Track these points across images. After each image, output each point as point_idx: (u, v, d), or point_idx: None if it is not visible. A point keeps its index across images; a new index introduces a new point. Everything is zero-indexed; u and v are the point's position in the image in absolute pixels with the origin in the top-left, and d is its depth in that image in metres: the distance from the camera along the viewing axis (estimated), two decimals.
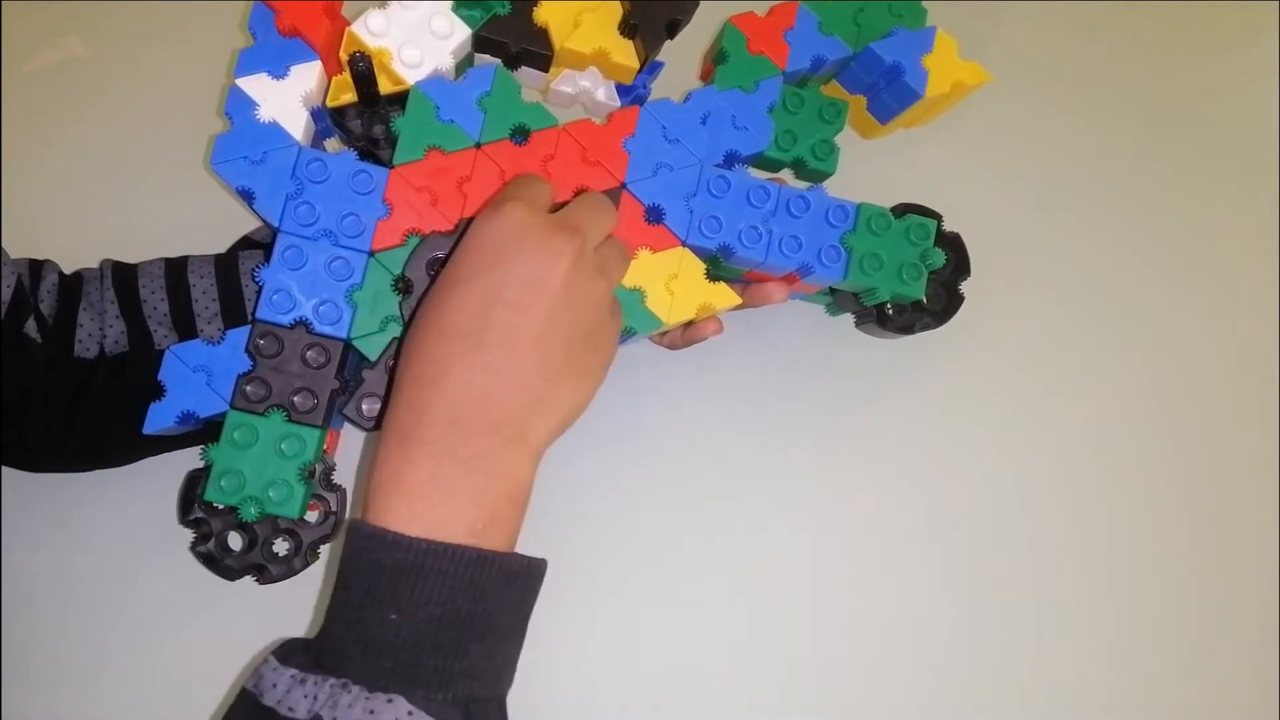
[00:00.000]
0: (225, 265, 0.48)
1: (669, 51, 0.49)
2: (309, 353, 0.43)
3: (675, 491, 0.54)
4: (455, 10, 0.45)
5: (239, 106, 0.43)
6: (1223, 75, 0.63)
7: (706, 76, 0.51)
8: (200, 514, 0.43)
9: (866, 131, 0.55)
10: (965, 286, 0.52)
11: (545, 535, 0.49)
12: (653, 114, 0.46)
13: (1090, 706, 0.50)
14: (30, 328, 0.44)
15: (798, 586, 0.53)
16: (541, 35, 0.47)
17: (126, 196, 0.58)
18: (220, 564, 0.43)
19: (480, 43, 0.47)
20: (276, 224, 0.43)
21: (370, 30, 0.44)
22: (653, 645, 0.50)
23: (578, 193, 0.45)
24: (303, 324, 0.43)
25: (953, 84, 0.50)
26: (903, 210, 0.51)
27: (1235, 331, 0.60)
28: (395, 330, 0.44)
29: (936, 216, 0.52)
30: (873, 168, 0.53)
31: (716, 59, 0.49)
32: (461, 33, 0.45)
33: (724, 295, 0.47)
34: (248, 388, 0.42)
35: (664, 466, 0.54)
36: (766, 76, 0.49)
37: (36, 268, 0.47)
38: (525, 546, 0.37)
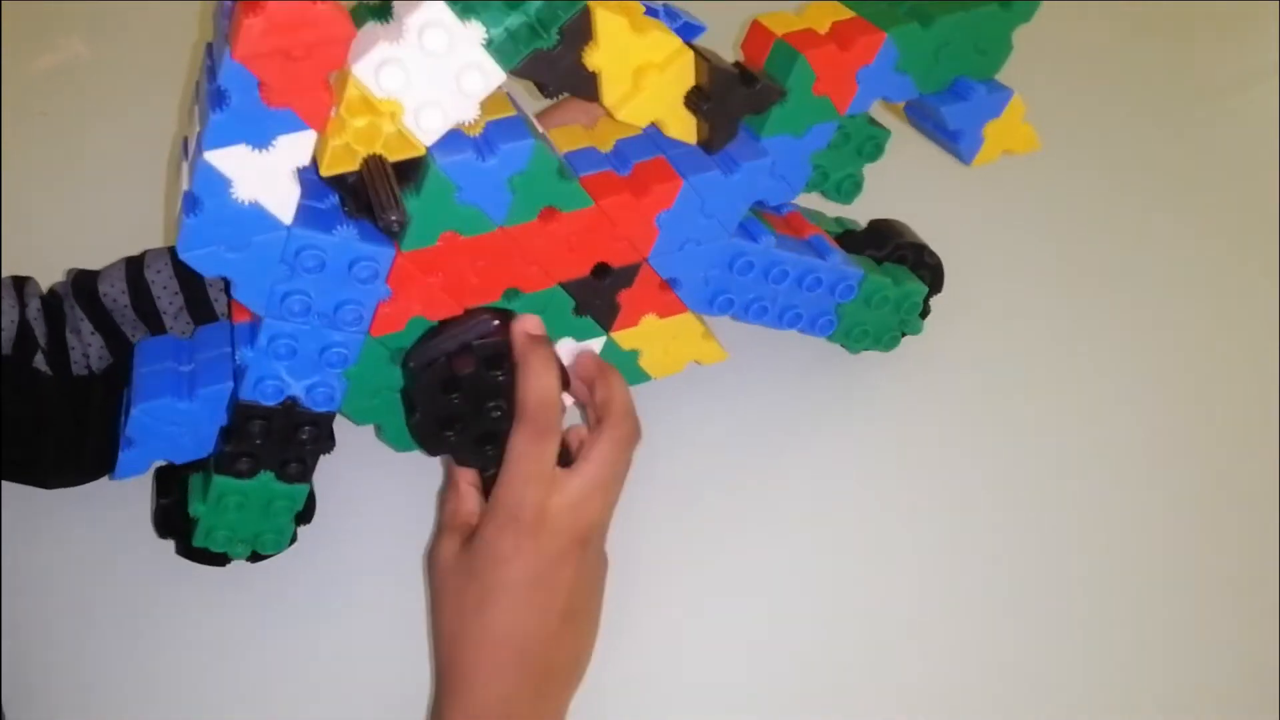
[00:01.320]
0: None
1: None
2: (300, 431, 0.40)
3: (670, 493, 0.51)
4: (489, 49, 0.34)
5: (210, 186, 0.33)
6: (1223, 75, 0.59)
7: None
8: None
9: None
10: (946, 301, 0.53)
11: None
12: (696, 190, 0.41)
13: (1089, 702, 0.47)
14: (39, 361, 0.42)
15: (797, 587, 0.49)
16: (590, 82, 0.37)
17: (127, 197, 0.56)
18: (209, 554, 0.45)
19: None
20: (261, 314, 0.37)
21: (382, 87, 0.33)
22: (652, 648, 0.47)
23: (594, 266, 0.41)
24: (292, 400, 0.40)
25: (1000, 152, 0.46)
26: (891, 235, 0.50)
27: (1235, 331, 0.58)
28: (389, 398, 0.42)
29: (923, 246, 0.51)
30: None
31: None
32: (495, 80, 0.35)
33: (713, 353, 0.47)
34: (237, 465, 0.40)
35: (656, 468, 0.48)
36: (821, 121, 0.43)
37: (20, 285, 0.44)
38: None
